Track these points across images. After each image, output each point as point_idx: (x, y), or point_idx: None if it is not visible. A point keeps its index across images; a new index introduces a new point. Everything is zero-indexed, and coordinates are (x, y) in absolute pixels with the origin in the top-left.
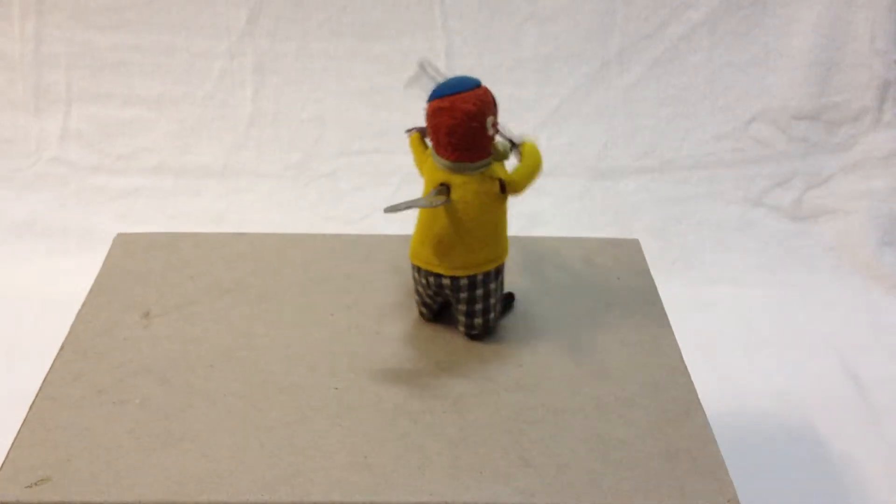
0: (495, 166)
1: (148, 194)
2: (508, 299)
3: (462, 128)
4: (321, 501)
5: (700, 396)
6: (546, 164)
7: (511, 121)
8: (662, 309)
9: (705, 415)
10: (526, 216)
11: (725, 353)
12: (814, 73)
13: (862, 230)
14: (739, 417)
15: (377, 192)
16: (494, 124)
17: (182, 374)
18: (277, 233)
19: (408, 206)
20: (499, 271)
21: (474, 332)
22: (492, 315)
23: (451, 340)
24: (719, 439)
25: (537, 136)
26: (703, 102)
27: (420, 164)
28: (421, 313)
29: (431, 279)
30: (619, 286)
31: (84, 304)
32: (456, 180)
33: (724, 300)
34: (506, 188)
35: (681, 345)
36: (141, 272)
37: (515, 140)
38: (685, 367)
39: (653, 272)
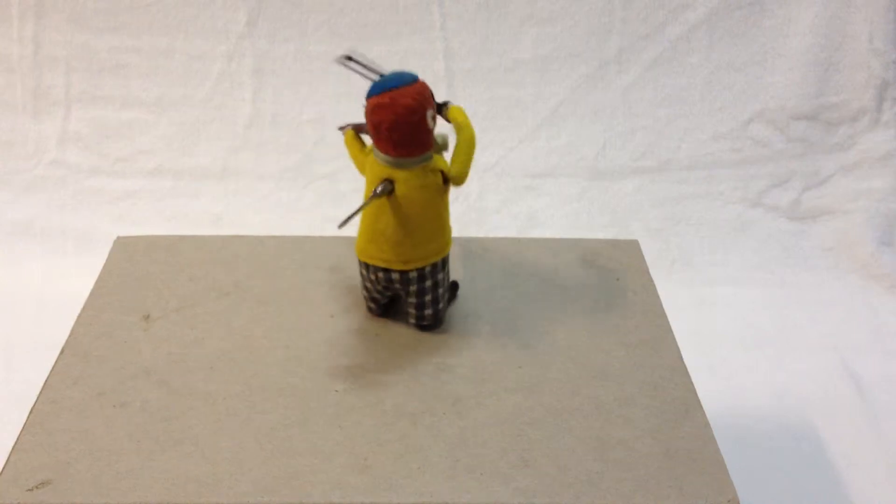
0: (436, 158)
1: (147, 196)
2: (454, 288)
3: (403, 123)
4: (321, 503)
5: (699, 396)
6: (544, 165)
7: (509, 122)
8: (662, 309)
9: (705, 414)
10: (524, 217)
11: (725, 353)
12: (812, 74)
13: (860, 230)
14: (739, 417)
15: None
16: (434, 117)
17: (182, 377)
18: (276, 235)
19: (356, 212)
20: (445, 261)
21: (425, 323)
22: (440, 305)
23: (451, 342)
24: (719, 439)
25: (534, 134)
26: (701, 103)
27: (359, 161)
28: (369, 308)
29: (381, 275)
30: (618, 287)
31: (84, 307)
32: (399, 175)
33: (723, 300)
34: (447, 180)
35: (680, 345)
36: (141, 275)
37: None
38: (685, 367)
39: (651, 272)
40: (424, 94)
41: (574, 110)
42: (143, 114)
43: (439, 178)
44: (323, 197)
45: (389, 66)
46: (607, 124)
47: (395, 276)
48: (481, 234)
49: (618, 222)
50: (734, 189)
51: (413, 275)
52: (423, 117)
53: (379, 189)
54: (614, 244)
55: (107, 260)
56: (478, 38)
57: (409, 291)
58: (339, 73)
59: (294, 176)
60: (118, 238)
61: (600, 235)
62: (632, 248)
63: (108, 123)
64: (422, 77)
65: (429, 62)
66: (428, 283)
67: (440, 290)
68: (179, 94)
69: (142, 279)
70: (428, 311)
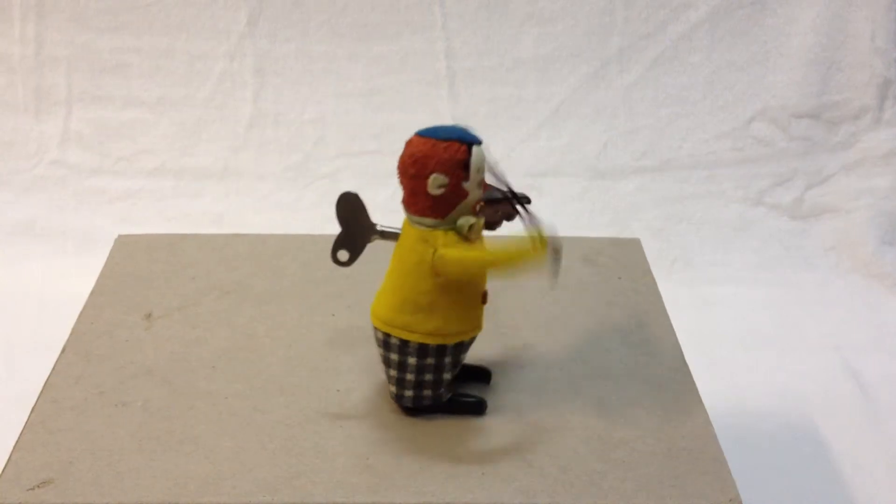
0: (439, 234)
1: (148, 196)
2: (461, 405)
3: (400, 171)
4: (323, 503)
5: (701, 395)
6: (546, 164)
7: (511, 121)
8: (664, 308)
9: (707, 414)
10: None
11: (726, 352)
12: (814, 72)
13: (862, 229)
14: (740, 417)
15: (377, 193)
16: (445, 186)
17: (184, 376)
18: (278, 234)
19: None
20: (425, 352)
21: (391, 395)
22: (407, 392)
23: None
24: (721, 438)
25: (539, 138)
26: (702, 102)
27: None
28: None
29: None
30: (620, 286)
31: (85, 306)
32: (405, 226)
33: (725, 299)
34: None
35: (682, 344)
36: (142, 274)
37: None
38: (686, 367)
39: (653, 272)
40: (441, 156)
41: (575, 110)
42: (144, 114)
43: (429, 255)
44: (323, 197)
45: (389, 65)
46: (609, 124)
47: (372, 325)
48: (482, 233)
49: (619, 221)
50: (736, 188)
51: (380, 335)
52: (422, 177)
53: (386, 228)
54: (616, 243)
55: (108, 258)
56: (479, 38)
57: (379, 352)
58: (340, 72)
59: (295, 176)
60: (119, 237)
61: (601, 234)
62: (633, 246)
63: (110, 123)
64: (421, 77)
65: (430, 62)
66: (392, 356)
67: (408, 376)
68: (181, 93)
69: (143, 278)
70: (392, 388)
